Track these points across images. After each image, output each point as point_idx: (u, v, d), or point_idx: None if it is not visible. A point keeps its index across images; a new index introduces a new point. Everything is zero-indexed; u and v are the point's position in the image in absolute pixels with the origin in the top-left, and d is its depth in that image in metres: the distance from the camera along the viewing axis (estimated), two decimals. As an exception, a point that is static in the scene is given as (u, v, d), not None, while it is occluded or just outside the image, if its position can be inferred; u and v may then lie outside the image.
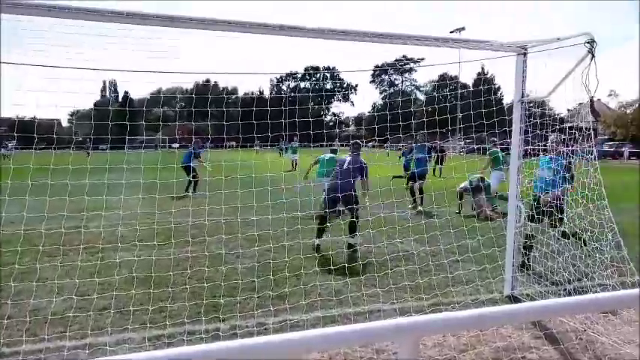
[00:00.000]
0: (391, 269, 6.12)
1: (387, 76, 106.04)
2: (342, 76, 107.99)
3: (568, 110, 7.19)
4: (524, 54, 5.57)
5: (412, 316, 1.60)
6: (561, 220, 5.91)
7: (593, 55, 4.77)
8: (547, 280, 5.45)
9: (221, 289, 5.47)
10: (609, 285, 4.81)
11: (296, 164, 24.90)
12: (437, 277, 5.87)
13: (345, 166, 7.98)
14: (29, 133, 6.61)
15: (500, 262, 5.91)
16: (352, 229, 7.73)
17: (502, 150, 13.32)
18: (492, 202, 12.03)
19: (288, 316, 5.07)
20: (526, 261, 6.17)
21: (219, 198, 5.68)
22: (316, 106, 71.66)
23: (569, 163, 5.93)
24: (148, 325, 4.76)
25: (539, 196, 6.21)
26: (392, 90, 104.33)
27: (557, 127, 5.71)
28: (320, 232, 7.70)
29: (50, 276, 5.69)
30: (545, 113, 5.77)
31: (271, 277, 5.79)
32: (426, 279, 5.82)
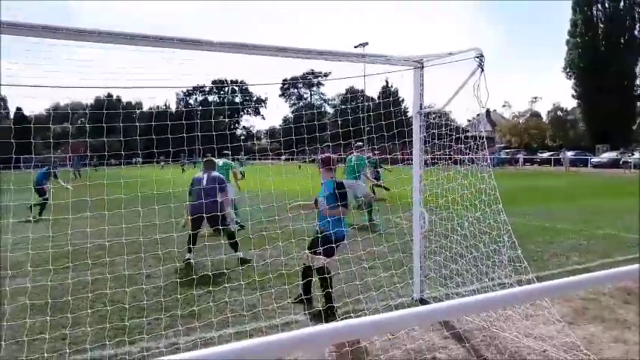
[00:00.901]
0: (302, 280, 6.08)
1: (295, 90, 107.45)
2: (251, 89, 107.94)
3: (468, 120, 7.66)
4: (421, 67, 5.86)
5: (320, 325, 1.58)
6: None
7: (482, 69, 5.10)
8: (453, 282, 5.71)
9: (127, 311, 5.15)
10: (508, 283, 5.14)
11: None
12: (347, 286, 5.94)
13: (205, 184, 8.00)
14: None
15: (407, 267, 6.11)
16: (233, 245, 7.81)
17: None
18: (363, 219, 11.61)
19: (200, 334, 4.89)
20: (303, 294, 5.90)
21: (120, 217, 5.39)
22: (226, 120, 70.30)
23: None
24: (46, 354, 4.37)
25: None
26: (301, 103, 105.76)
27: (454, 136, 6.03)
28: (190, 249, 7.69)
29: None
30: (446, 124, 6.08)
31: (179, 296, 5.56)
32: (336, 287, 5.87)
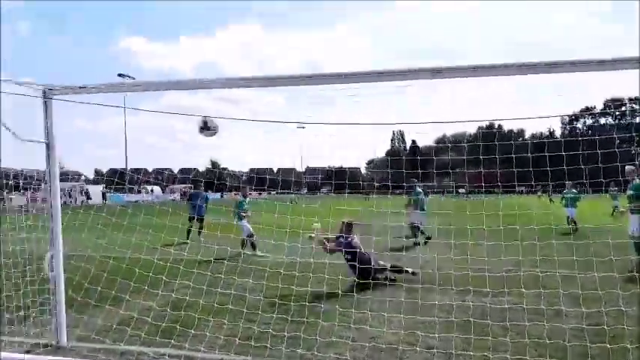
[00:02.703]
0: None
1: None
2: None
3: None
4: None
5: None
6: None
7: None
8: None
9: (546, 349, 5.02)
10: None
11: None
12: None
13: None
14: (340, 180, 7.86)
15: None
16: None
17: None
18: None
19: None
20: None
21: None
22: (624, 145, 60.88)
23: None
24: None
25: None
26: None
27: None
28: None
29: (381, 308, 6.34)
30: None
31: (608, 346, 5.00)
32: None
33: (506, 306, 5.99)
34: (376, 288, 6.72)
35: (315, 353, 5.15)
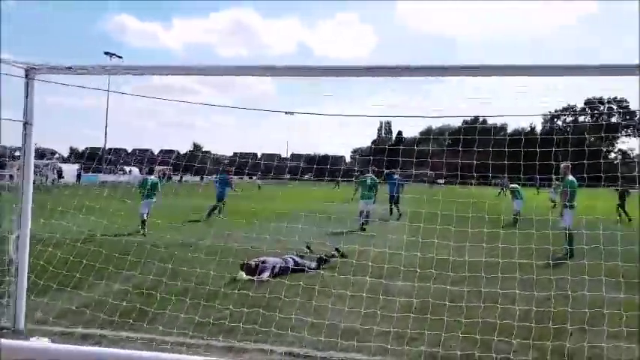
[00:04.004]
0: None
1: None
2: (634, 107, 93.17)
3: None
4: None
5: None
6: None
7: None
8: None
9: (494, 333, 5.20)
10: None
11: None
12: None
13: None
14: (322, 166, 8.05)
15: None
16: None
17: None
18: None
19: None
20: None
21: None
22: (597, 142, 61.45)
23: None
24: (424, 348, 4.96)
25: None
26: None
27: None
28: None
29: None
30: None
31: (551, 326, 5.25)
32: None
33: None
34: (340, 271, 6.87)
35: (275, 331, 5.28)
